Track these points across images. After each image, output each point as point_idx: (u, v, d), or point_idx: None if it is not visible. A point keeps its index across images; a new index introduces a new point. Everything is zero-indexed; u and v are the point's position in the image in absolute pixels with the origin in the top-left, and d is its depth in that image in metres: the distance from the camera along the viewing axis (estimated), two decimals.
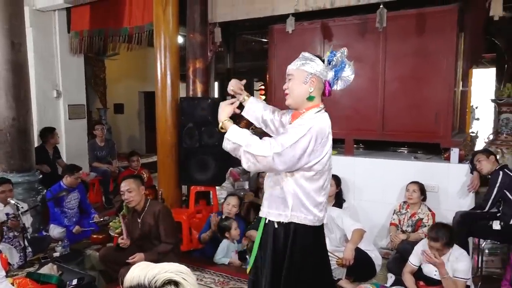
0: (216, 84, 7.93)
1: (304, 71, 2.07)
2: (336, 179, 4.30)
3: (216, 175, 4.38)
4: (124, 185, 3.38)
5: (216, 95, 7.86)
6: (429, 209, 3.84)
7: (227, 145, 1.99)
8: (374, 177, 4.35)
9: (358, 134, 4.62)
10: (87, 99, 7.15)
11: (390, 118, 4.39)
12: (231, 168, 5.65)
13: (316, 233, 2.13)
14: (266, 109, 2.33)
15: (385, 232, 4.19)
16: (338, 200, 4.24)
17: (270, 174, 2.16)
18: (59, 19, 6.11)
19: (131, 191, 3.35)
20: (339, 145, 4.91)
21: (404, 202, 3.97)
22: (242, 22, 5.57)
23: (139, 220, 3.41)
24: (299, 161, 1.95)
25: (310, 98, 2.06)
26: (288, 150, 1.91)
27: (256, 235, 2.26)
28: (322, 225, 2.18)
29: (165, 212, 3.39)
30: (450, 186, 4.01)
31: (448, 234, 2.97)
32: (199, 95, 4.79)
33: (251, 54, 8.46)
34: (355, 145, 4.74)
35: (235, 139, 1.96)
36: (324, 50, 4.67)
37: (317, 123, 1.99)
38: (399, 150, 4.86)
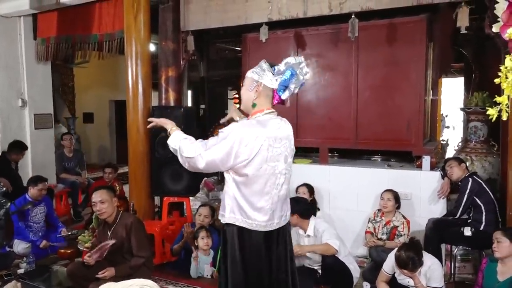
0: (189, 92, 7.87)
1: (252, 79, 2.19)
2: (309, 188, 4.33)
3: (189, 185, 4.34)
4: (97, 196, 3.30)
5: (189, 104, 7.80)
6: (404, 217, 3.91)
7: (170, 146, 2.20)
8: (349, 185, 4.40)
9: (333, 143, 4.68)
10: (55, 108, 6.95)
11: (363, 126, 4.46)
12: (205, 178, 5.61)
13: (261, 238, 2.17)
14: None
15: (360, 241, 4.23)
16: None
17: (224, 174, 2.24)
18: (24, 26, 5.96)
19: (103, 202, 3.28)
20: (314, 154, 4.97)
21: (379, 210, 4.02)
22: (216, 30, 5.58)
23: (109, 233, 3.33)
24: (223, 162, 2.07)
25: (253, 105, 2.20)
26: (210, 152, 2.06)
27: None
28: (273, 231, 2.21)
29: (137, 225, 3.32)
30: (423, 193, 4.10)
31: (414, 259, 2.90)
32: (171, 103, 4.75)
33: (225, 63, 8.46)
34: (329, 154, 4.79)
35: (173, 144, 2.18)
36: None
37: (243, 126, 2.10)
38: (373, 158, 4.94)
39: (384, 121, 4.38)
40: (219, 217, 2.25)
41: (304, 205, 3.59)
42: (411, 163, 4.45)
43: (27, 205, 4.41)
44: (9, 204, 4.56)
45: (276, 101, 2.22)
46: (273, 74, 2.16)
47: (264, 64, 2.20)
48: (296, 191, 4.34)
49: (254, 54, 4.93)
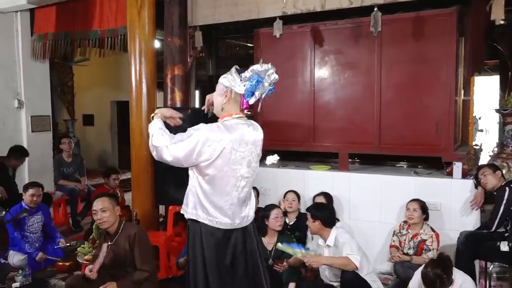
0: (196, 92, 7.92)
1: (222, 84, 2.44)
2: (328, 197, 4.32)
3: None
4: (98, 204, 3.32)
5: (197, 105, 7.85)
6: (432, 229, 3.87)
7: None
8: (371, 194, 4.37)
9: (353, 148, 4.66)
10: (53, 110, 7.05)
11: (387, 129, 4.43)
12: None
13: (219, 234, 2.41)
14: None
15: (384, 255, 4.19)
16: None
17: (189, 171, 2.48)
18: (21, 21, 6.07)
19: (105, 211, 3.29)
20: (333, 159, 4.94)
21: (405, 222, 3.98)
22: (226, 25, 5.61)
23: (109, 243, 3.35)
24: (185, 159, 2.31)
25: (222, 109, 2.45)
26: (176, 146, 2.31)
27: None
28: (238, 230, 2.46)
29: (141, 236, 3.33)
30: (454, 204, 4.05)
31: (442, 277, 2.87)
32: (178, 104, 4.78)
33: (235, 60, 8.46)
34: (349, 160, 4.76)
35: (150, 129, 2.46)
36: (315, 56, 4.73)
37: (208, 127, 2.34)
38: (398, 165, 4.91)
39: (410, 124, 4.34)
40: (182, 211, 2.51)
41: (329, 213, 3.64)
42: (441, 170, 4.40)
43: (23, 213, 4.46)
44: (3, 212, 4.63)
45: (244, 106, 2.45)
46: (240, 81, 2.39)
47: (233, 71, 2.43)
48: (313, 200, 4.33)
49: (268, 50, 4.94)
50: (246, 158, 2.44)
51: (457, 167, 4.08)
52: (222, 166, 2.36)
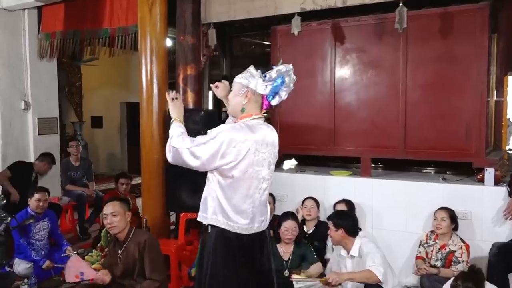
0: (210, 93, 7.95)
1: (241, 84, 2.50)
2: (349, 204, 4.30)
3: None
4: (109, 208, 3.36)
5: (210, 106, 7.89)
6: (462, 240, 3.82)
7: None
8: (396, 202, 4.34)
9: (376, 152, 4.63)
10: (60, 111, 7.17)
11: (413, 132, 4.41)
12: None
13: (244, 241, 2.46)
14: None
15: (410, 268, 4.15)
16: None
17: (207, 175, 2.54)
18: (29, 20, 6.20)
19: (116, 215, 3.33)
20: (355, 164, 4.92)
21: (432, 232, 3.95)
22: (241, 22, 5.64)
23: (120, 253, 3.39)
24: (209, 161, 2.36)
25: (242, 110, 2.50)
26: (198, 148, 2.35)
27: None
28: (258, 234, 2.51)
29: (152, 244, 3.36)
30: (485, 213, 4.00)
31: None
32: (190, 106, 4.82)
33: (250, 59, 8.47)
34: (372, 165, 4.74)
35: (171, 130, 2.52)
36: (336, 54, 4.73)
37: (232, 128, 2.40)
38: (425, 171, 4.87)
39: (438, 126, 4.31)
40: (199, 219, 2.53)
41: (352, 220, 3.66)
42: (471, 176, 4.35)
43: (29, 219, 4.53)
44: (9, 218, 4.71)
45: (265, 107, 2.53)
46: (263, 80, 2.47)
47: (253, 70, 2.51)
48: (334, 207, 4.31)
49: (285, 49, 4.96)
50: (267, 160, 2.51)
51: (489, 173, 4.03)
52: (246, 168, 2.41)
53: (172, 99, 2.68)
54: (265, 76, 2.48)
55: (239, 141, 2.37)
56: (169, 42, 5.13)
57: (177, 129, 2.52)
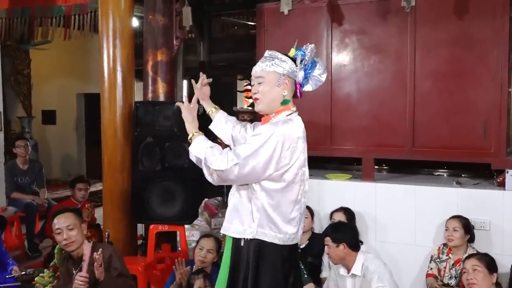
0: (184, 83, 7.92)
1: (276, 73, 2.52)
2: (348, 213, 4.31)
3: (185, 209, 4.35)
4: (61, 221, 3.32)
5: (184, 99, 7.87)
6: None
7: (192, 158, 2.51)
8: (403, 210, 4.36)
9: (380, 152, 4.65)
10: (4, 105, 7.06)
11: (423, 129, 4.43)
12: (205, 200, 5.61)
13: (287, 253, 2.53)
14: (237, 125, 2.94)
15: (420, 286, 4.18)
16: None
17: None
18: None
19: (72, 229, 3.30)
20: (355, 166, 4.94)
21: (444, 245, 3.98)
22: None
23: (75, 273, 3.35)
24: (264, 170, 2.39)
25: (285, 102, 2.55)
26: (249, 159, 2.36)
27: None
28: (296, 244, 2.60)
29: (119, 259, 3.36)
30: (506, 222, 4.04)
31: None
32: (161, 98, 4.79)
33: (233, 43, 8.52)
34: (376, 167, 4.76)
35: (196, 151, 2.47)
36: (332, 37, 4.74)
37: (283, 126, 2.44)
38: (436, 173, 4.91)
39: (451, 122, 4.34)
40: (234, 234, 2.54)
41: (353, 232, 3.70)
42: (490, 179, 4.40)
43: None
44: None
45: (299, 95, 2.61)
46: (296, 66, 2.54)
47: (278, 54, 2.56)
48: (331, 217, 4.33)
49: (273, 30, 4.94)
50: (307, 157, 2.60)
51: (511, 176, 4.08)
52: (297, 170, 2.49)
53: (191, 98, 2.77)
54: (302, 60, 2.55)
55: (292, 140, 2.44)
56: (135, 22, 5.09)
57: (203, 146, 2.47)
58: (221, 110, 3.02)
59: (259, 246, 2.48)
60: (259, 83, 2.56)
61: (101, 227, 4.90)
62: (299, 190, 2.53)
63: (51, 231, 3.72)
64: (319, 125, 4.82)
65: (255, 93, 2.57)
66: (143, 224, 4.91)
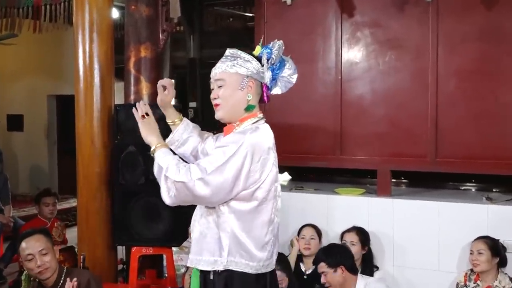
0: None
1: (239, 74, 2.49)
2: (362, 234, 4.31)
3: (172, 229, 4.34)
4: (33, 244, 3.32)
5: (172, 101, 7.88)
6: None
7: (154, 168, 2.43)
8: (425, 230, 4.35)
9: (398, 163, 4.65)
10: None
11: (447, 136, 4.43)
12: None
13: (262, 282, 2.47)
14: (201, 137, 2.84)
15: None
16: (366, 266, 4.23)
17: (200, 206, 2.54)
18: None
19: (46, 253, 3.30)
20: (369, 179, 4.93)
21: (472, 270, 3.96)
22: None
23: None
24: (232, 187, 2.33)
25: (249, 108, 2.51)
26: (215, 174, 2.29)
27: None
28: (273, 271, 2.54)
29: (97, 285, 3.36)
30: None
31: None
32: (145, 99, 4.77)
33: (227, 36, 8.53)
34: (393, 180, 4.77)
35: (160, 160, 2.41)
36: (342, 31, 4.75)
37: (252, 135, 2.39)
38: (463, 187, 4.91)
39: (480, 128, 4.35)
40: (200, 266, 2.47)
41: (351, 253, 3.75)
42: None
43: None
44: None
45: (267, 100, 2.59)
46: (262, 66, 2.51)
47: (241, 53, 2.53)
48: (341, 238, 4.31)
49: (274, 23, 4.96)
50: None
51: None
52: (270, 185, 2.45)
53: (143, 116, 2.63)
54: (268, 59, 2.52)
55: (263, 152, 2.41)
56: (115, 13, 5.10)
57: (167, 158, 2.42)
58: (185, 121, 2.88)
59: (229, 278, 2.42)
60: (219, 87, 2.52)
61: (75, 249, 4.88)
62: (272, 208, 2.49)
63: (18, 256, 3.70)
64: (327, 132, 4.83)
65: (214, 98, 2.53)
66: (124, 246, 4.88)
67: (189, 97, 8.42)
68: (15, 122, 11.04)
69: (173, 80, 2.92)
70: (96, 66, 4.56)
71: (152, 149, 2.50)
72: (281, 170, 5.09)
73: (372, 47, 4.71)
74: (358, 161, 4.79)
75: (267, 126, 2.53)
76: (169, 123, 2.85)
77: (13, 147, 11.00)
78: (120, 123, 4.46)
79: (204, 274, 2.49)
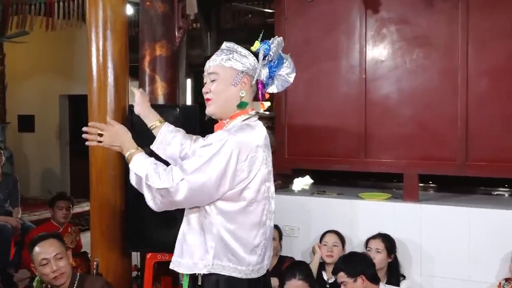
0: (188, 82, 7.98)
1: (233, 69, 2.50)
2: (388, 241, 4.30)
3: None
4: (47, 249, 3.35)
5: (188, 101, 7.91)
6: None
7: (131, 179, 2.47)
8: (455, 237, 4.33)
9: (426, 166, 4.63)
10: None
11: (479, 139, 4.41)
12: None
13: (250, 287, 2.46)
14: (186, 141, 2.83)
15: None
16: (392, 275, 4.22)
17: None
18: None
19: (61, 258, 3.34)
20: (395, 184, 4.91)
21: (507, 280, 3.94)
22: None
23: None
24: (218, 187, 2.33)
25: (242, 105, 2.52)
26: (198, 175, 2.29)
27: None
28: (265, 275, 2.56)
29: None
30: None
31: None
32: (160, 100, 4.81)
33: (246, 34, 8.53)
34: (421, 184, 4.75)
35: (136, 169, 2.43)
36: (367, 28, 4.75)
37: (238, 133, 2.40)
38: (496, 192, 4.88)
39: None
40: (184, 270, 2.50)
41: (371, 261, 3.75)
42: None
43: None
44: None
45: (262, 98, 2.61)
46: (257, 61, 2.50)
47: (238, 47, 2.53)
48: (366, 245, 4.30)
49: (295, 20, 4.97)
50: (271, 171, 2.57)
51: None
52: (260, 185, 2.45)
53: (99, 134, 2.69)
54: (266, 55, 2.52)
55: (251, 150, 2.40)
56: (130, 10, 5.13)
57: (144, 165, 2.43)
58: (167, 123, 2.93)
59: (219, 283, 2.43)
60: (212, 81, 2.53)
61: (89, 255, 4.92)
62: (263, 210, 2.49)
63: (29, 262, 3.73)
64: (350, 134, 4.82)
65: (206, 93, 2.54)
66: (139, 252, 4.92)
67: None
68: (26, 123, 11.14)
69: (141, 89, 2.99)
70: (110, 65, 4.58)
71: (126, 157, 2.55)
72: (301, 174, 5.10)
73: (398, 44, 4.69)
74: (383, 164, 4.78)
75: (259, 123, 2.55)
76: (151, 128, 2.91)
77: (24, 149, 11.10)
78: (134, 124, 4.47)
79: (192, 278, 2.52)
